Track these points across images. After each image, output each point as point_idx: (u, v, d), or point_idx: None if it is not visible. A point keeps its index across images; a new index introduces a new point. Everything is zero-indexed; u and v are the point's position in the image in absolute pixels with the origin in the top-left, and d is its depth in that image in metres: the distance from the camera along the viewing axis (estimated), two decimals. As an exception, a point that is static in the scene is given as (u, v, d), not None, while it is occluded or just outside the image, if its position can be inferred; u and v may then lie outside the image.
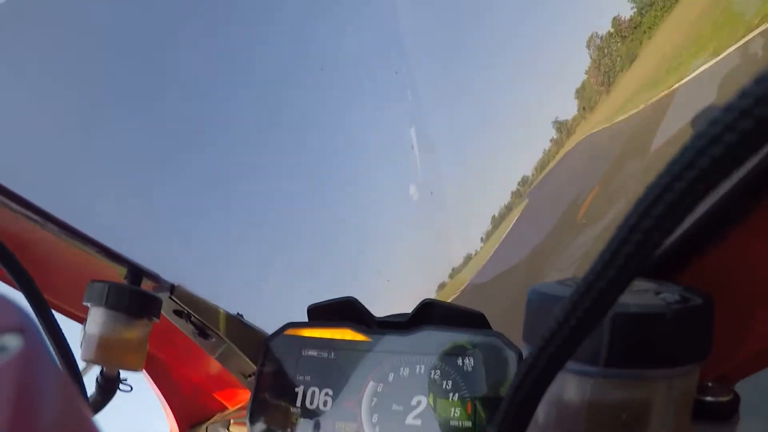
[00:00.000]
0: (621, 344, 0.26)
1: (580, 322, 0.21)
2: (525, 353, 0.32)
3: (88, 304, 0.64)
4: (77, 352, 0.62)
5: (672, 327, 0.26)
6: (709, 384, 0.35)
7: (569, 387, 0.28)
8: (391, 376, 0.67)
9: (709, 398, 0.34)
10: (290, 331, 0.74)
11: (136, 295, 0.65)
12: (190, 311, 0.73)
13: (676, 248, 0.36)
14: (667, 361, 0.26)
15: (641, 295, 0.28)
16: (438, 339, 0.67)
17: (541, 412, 0.24)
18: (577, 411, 0.28)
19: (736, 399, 0.34)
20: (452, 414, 0.63)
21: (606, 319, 0.25)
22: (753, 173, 0.29)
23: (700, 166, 0.16)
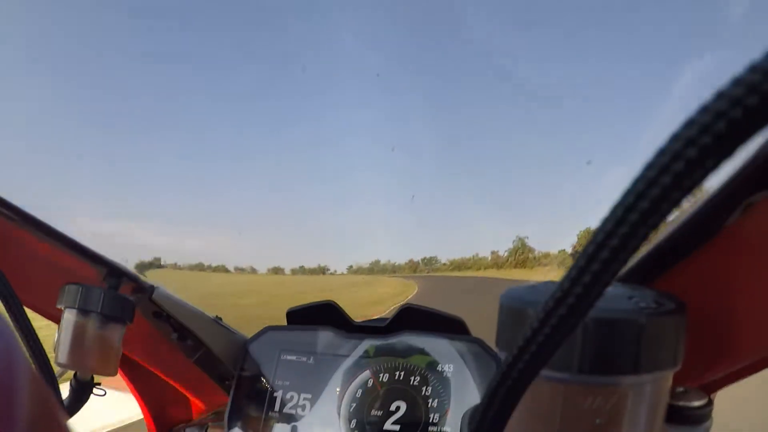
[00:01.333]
0: (594, 350, 0.25)
1: (555, 328, 0.20)
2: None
3: (62, 307, 0.63)
4: (51, 355, 0.61)
5: (645, 332, 0.26)
6: (682, 389, 0.35)
7: (542, 393, 0.28)
8: (370, 382, 0.66)
9: (682, 403, 0.34)
10: (269, 335, 0.74)
11: (109, 298, 0.63)
12: (169, 313, 0.72)
13: (653, 255, 0.36)
14: (641, 367, 0.26)
15: (614, 300, 0.28)
16: (417, 344, 0.67)
17: (515, 418, 0.24)
18: (550, 417, 0.28)
19: (709, 404, 0.35)
20: (431, 420, 0.63)
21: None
22: (730, 181, 0.29)
23: (674, 170, 0.16)
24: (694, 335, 0.28)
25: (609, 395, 0.27)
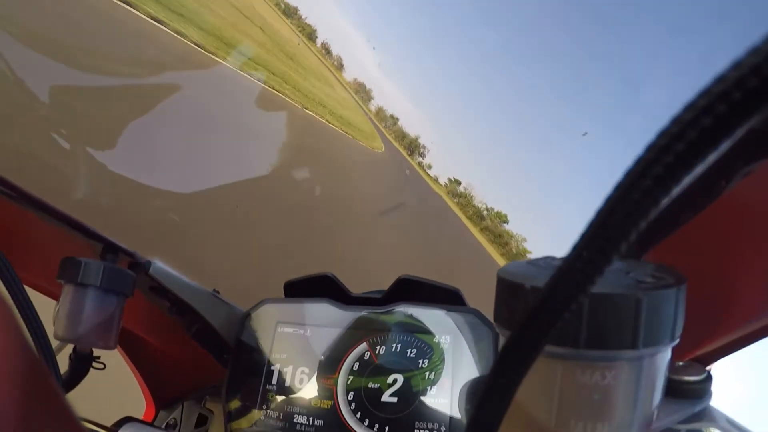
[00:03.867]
0: (591, 325, 0.25)
1: (561, 302, 0.20)
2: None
3: (61, 281, 0.63)
4: (50, 330, 0.61)
5: (643, 308, 0.25)
6: (682, 363, 0.35)
7: (540, 369, 0.28)
8: (367, 354, 0.67)
9: (681, 377, 0.34)
10: (267, 308, 0.74)
11: (109, 271, 0.63)
12: (166, 288, 0.72)
13: (648, 224, 0.36)
14: (638, 342, 0.26)
15: (611, 274, 0.27)
16: (414, 316, 0.67)
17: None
18: (548, 393, 0.28)
19: (709, 378, 0.34)
20: (429, 391, 0.63)
21: None
22: (727, 149, 0.29)
23: (689, 139, 0.16)
24: (690, 306, 0.28)
25: (607, 370, 0.27)
